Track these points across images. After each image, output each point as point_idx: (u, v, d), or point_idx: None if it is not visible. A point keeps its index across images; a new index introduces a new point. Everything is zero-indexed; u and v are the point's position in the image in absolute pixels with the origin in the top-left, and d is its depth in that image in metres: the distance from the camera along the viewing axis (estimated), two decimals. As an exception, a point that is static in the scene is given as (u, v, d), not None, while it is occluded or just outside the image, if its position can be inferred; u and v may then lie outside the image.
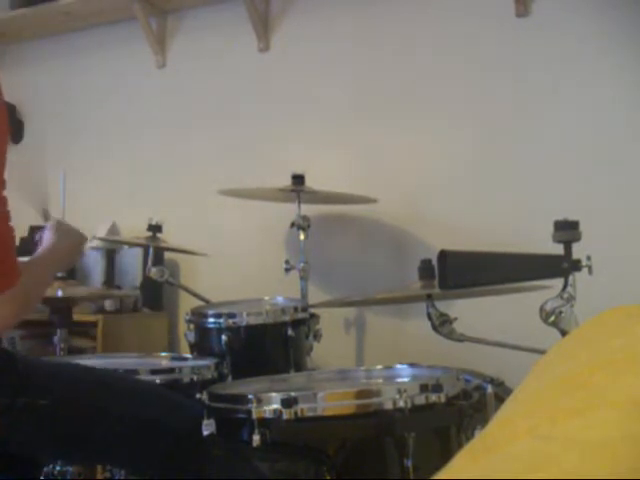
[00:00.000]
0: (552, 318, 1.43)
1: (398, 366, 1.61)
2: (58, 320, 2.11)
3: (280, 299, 2.21)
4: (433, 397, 1.26)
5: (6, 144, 1.21)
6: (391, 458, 1.26)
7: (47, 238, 1.43)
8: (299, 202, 2.44)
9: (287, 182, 2.43)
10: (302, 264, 2.44)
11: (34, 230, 3.16)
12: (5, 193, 1.23)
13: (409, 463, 1.22)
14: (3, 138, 1.21)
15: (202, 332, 2.06)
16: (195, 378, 1.70)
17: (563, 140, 2.54)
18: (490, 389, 1.49)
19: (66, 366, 1.49)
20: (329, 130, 2.90)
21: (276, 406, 1.23)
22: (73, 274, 2.82)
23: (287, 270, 2.43)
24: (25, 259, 1.41)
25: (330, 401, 1.27)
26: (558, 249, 1.46)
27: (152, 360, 2.01)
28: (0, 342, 1.34)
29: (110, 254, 2.95)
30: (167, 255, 2.88)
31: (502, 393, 1.53)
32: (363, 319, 2.78)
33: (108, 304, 2.79)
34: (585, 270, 1.44)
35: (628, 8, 2.47)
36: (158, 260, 2.53)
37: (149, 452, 1.32)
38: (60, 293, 2.17)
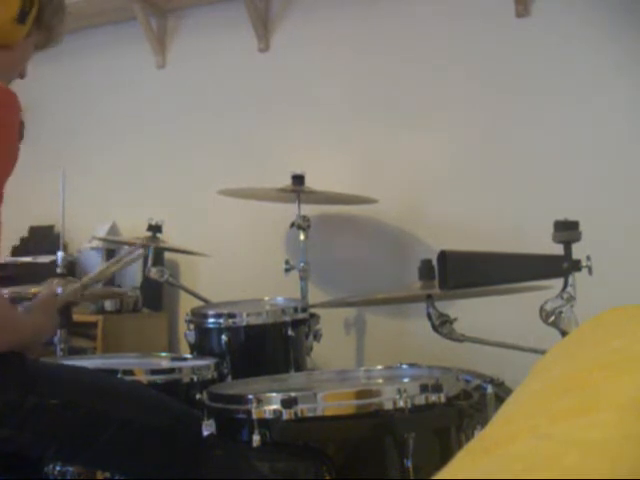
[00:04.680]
0: (552, 318, 1.43)
1: (398, 366, 1.61)
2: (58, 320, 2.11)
3: (280, 299, 2.21)
4: (433, 397, 1.26)
5: (12, 165, 1.22)
6: (391, 458, 1.26)
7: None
8: (299, 202, 2.44)
9: (287, 182, 2.43)
10: (302, 264, 2.44)
11: (34, 230, 3.17)
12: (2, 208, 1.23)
13: (409, 463, 1.22)
14: (11, 160, 1.22)
15: (202, 332, 2.06)
16: (195, 378, 1.70)
17: (563, 140, 2.55)
18: (490, 389, 1.49)
19: (71, 369, 1.49)
20: (329, 130, 2.90)
21: (276, 406, 1.23)
22: (73, 274, 2.82)
23: (287, 270, 2.43)
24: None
25: (330, 401, 1.27)
26: (558, 249, 1.46)
27: (152, 360, 2.01)
28: None
29: (110, 254, 2.94)
30: (167, 255, 2.88)
31: (502, 393, 1.53)
32: (363, 319, 2.78)
33: (108, 304, 2.79)
34: (585, 270, 1.44)
35: (627, 9, 2.47)
36: (158, 260, 2.53)
37: (150, 455, 1.32)
38: (60, 291, 2.17)
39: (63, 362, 1.80)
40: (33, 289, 2.08)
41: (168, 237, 2.61)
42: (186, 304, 2.58)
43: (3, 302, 1.24)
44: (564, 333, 1.42)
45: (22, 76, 1.46)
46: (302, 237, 2.46)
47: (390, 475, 1.27)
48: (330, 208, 2.86)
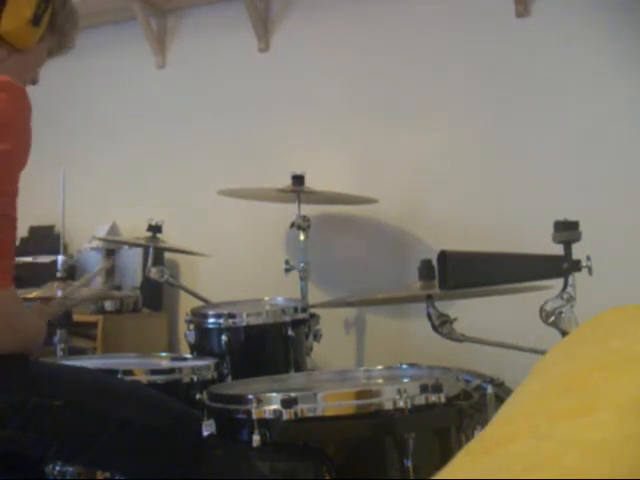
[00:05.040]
0: (552, 318, 1.43)
1: (398, 366, 1.61)
2: (58, 320, 2.11)
3: (280, 299, 2.21)
4: (433, 397, 1.26)
5: (26, 160, 1.22)
6: (391, 458, 1.26)
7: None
8: (299, 202, 2.44)
9: (287, 182, 2.43)
10: (302, 264, 2.44)
11: (34, 230, 3.17)
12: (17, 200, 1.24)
13: (409, 463, 1.22)
14: (25, 154, 1.22)
15: (202, 332, 2.06)
16: (195, 378, 1.70)
17: (563, 140, 2.55)
18: (490, 389, 1.49)
19: (71, 369, 1.49)
20: (329, 130, 2.90)
21: (276, 406, 1.23)
22: (73, 274, 2.82)
23: (287, 270, 2.43)
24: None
25: (330, 401, 1.27)
26: (558, 249, 1.46)
27: (152, 360, 2.01)
28: None
29: (110, 254, 2.94)
30: (167, 255, 2.88)
31: (502, 393, 1.53)
32: (363, 319, 2.78)
33: (108, 304, 2.79)
34: (585, 270, 1.44)
35: (627, 9, 2.47)
36: (158, 260, 2.53)
37: (150, 455, 1.32)
38: (60, 293, 2.17)
39: (63, 362, 1.80)
40: (34, 293, 2.08)
41: (168, 237, 2.61)
42: (186, 304, 2.58)
43: (8, 302, 1.24)
44: (564, 333, 1.42)
45: (34, 82, 1.47)
46: (302, 237, 2.46)
47: (390, 475, 1.27)
48: (330, 208, 2.86)
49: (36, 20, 1.32)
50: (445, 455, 1.29)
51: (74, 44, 1.48)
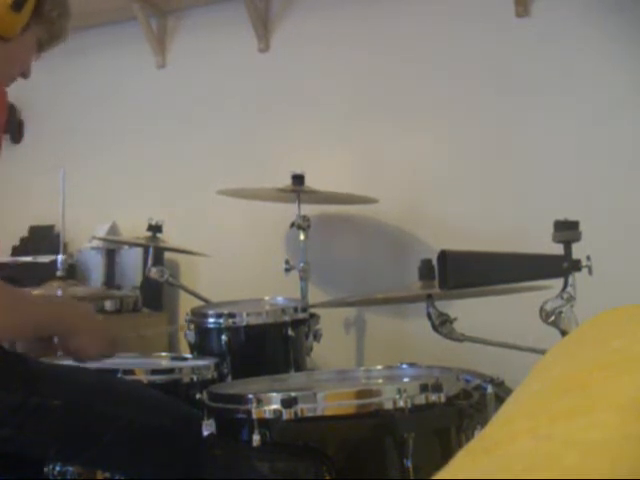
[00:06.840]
0: (552, 318, 1.43)
1: (398, 366, 1.61)
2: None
3: (280, 299, 2.21)
4: (433, 397, 1.26)
5: None
6: (391, 458, 1.26)
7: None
8: (299, 202, 2.44)
9: (287, 182, 2.43)
10: (302, 264, 2.44)
11: (34, 230, 3.17)
12: None
13: (409, 463, 1.21)
14: None
15: (202, 332, 2.06)
16: (195, 378, 1.70)
17: (563, 140, 2.55)
18: (490, 389, 1.49)
19: (72, 369, 1.49)
20: (329, 130, 2.90)
21: (276, 406, 1.23)
22: (73, 274, 2.82)
23: (287, 270, 2.43)
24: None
25: (330, 401, 1.27)
26: (558, 249, 1.46)
27: (152, 360, 2.01)
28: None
29: (110, 254, 2.95)
30: (167, 255, 2.88)
31: (502, 393, 1.53)
32: (363, 319, 2.78)
33: (108, 304, 2.79)
34: (585, 270, 1.44)
35: (627, 9, 2.47)
36: (158, 260, 2.53)
37: (150, 455, 1.32)
38: (60, 293, 2.17)
39: (63, 362, 1.80)
40: (35, 292, 2.08)
41: (168, 237, 2.61)
42: (186, 304, 2.58)
43: None
44: (564, 333, 1.42)
45: (25, 76, 1.43)
46: (302, 237, 2.46)
47: (390, 475, 1.27)
48: (330, 208, 2.86)
49: (17, 6, 1.25)
50: (445, 455, 1.29)
51: (65, 35, 1.43)
